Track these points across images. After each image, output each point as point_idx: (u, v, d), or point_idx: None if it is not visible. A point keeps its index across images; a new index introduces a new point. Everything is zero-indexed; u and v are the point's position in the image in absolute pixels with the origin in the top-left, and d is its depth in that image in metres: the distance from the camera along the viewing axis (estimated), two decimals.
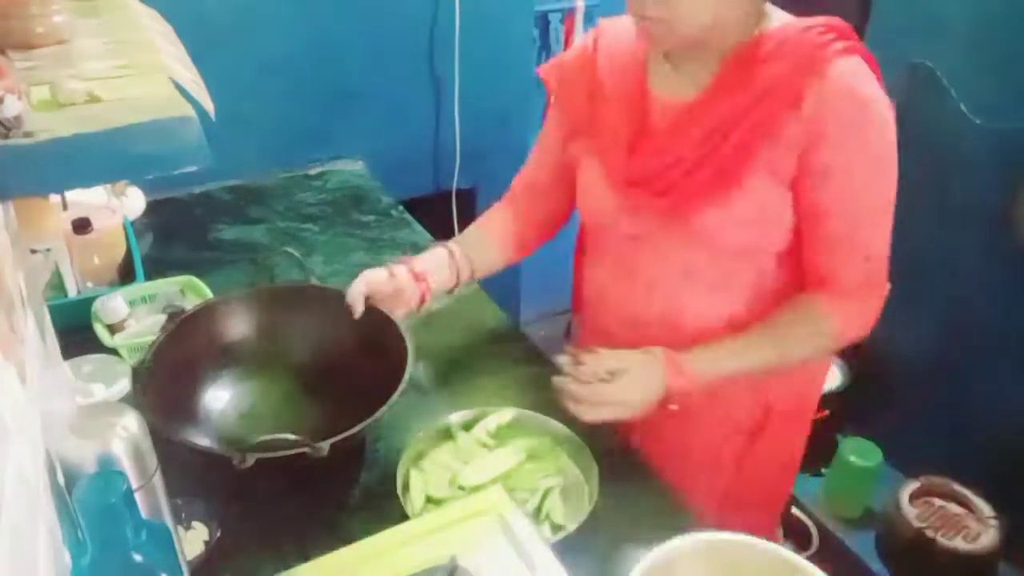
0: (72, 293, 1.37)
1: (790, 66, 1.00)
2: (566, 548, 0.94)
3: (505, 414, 1.13)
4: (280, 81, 1.89)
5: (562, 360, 1.10)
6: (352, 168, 1.99)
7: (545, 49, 2.28)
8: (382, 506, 1.04)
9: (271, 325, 1.23)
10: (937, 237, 2.00)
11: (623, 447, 1.17)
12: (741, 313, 1.12)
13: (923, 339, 2.07)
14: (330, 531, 1.01)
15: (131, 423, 0.71)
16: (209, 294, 1.37)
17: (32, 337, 0.78)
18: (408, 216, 1.78)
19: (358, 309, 1.17)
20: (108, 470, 0.67)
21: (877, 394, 2.16)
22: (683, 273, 1.12)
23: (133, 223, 1.59)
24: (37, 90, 0.63)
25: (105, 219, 1.44)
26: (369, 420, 1.01)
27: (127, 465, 0.70)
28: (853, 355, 2.22)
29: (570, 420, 1.11)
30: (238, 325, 1.22)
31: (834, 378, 2.19)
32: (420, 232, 1.72)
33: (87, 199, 1.50)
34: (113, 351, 1.26)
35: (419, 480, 1.05)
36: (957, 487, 1.88)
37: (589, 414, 1.06)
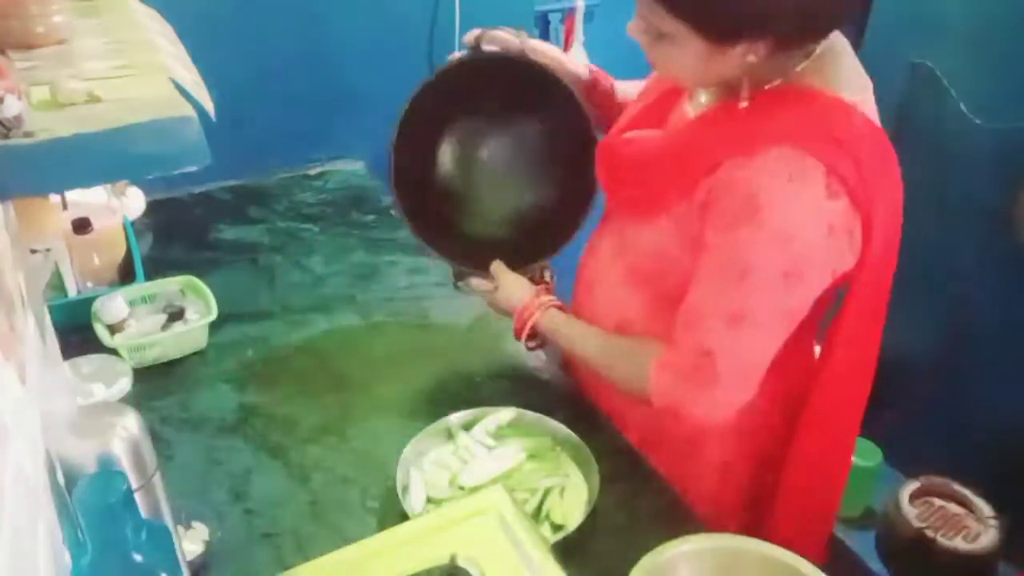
0: (72, 293, 1.37)
1: (733, 134, 0.94)
2: (566, 548, 0.94)
3: (505, 414, 1.13)
4: (280, 81, 1.88)
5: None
6: (352, 168, 1.99)
7: None
8: (382, 506, 1.04)
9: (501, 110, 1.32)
10: (937, 237, 2.00)
11: (623, 447, 1.17)
12: (631, 324, 1.11)
13: (923, 339, 2.07)
14: (330, 531, 1.01)
15: (131, 423, 0.71)
16: (209, 294, 1.37)
17: (32, 337, 0.78)
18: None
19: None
20: (108, 470, 0.67)
21: (877, 394, 2.16)
22: (611, 259, 1.14)
23: (133, 223, 1.59)
24: (37, 90, 0.63)
25: (105, 219, 1.44)
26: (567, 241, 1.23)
27: (127, 465, 0.70)
28: None
29: (570, 420, 1.11)
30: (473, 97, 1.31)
31: None
32: None
33: (87, 199, 1.50)
34: (113, 351, 1.26)
35: (419, 480, 1.05)
36: (957, 487, 1.88)
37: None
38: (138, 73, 0.68)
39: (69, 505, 0.67)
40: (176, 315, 1.34)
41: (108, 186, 1.58)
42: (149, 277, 1.42)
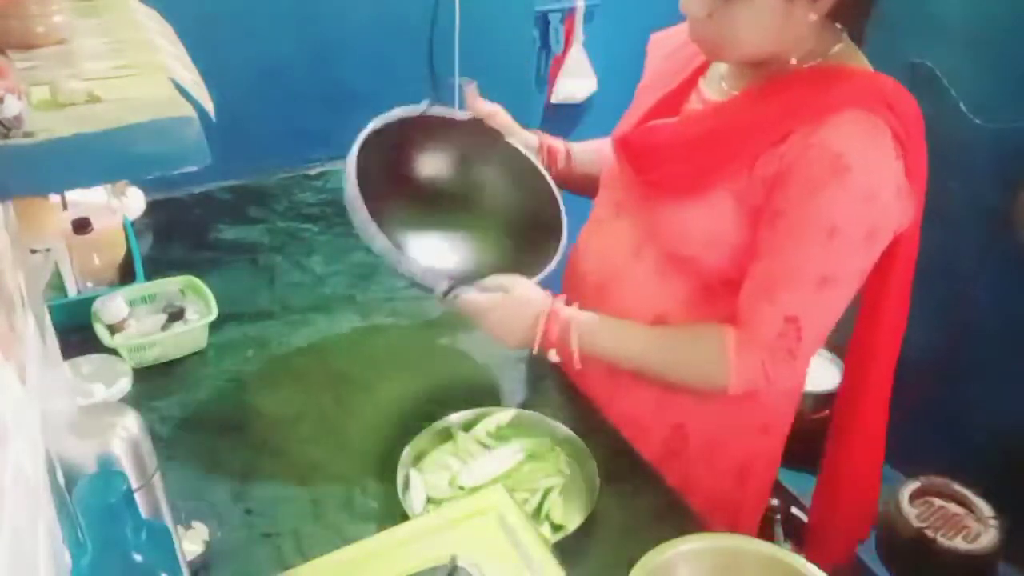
0: (72, 293, 1.37)
1: (796, 104, 0.97)
2: (566, 548, 0.94)
3: (505, 414, 1.13)
4: (280, 81, 1.89)
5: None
6: None
7: (545, 49, 2.28)
8: (382, 506, 1.04)
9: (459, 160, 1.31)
10: (937, 237, 2.00)
11: (623, 447, 1.17)
12: (670, 317, 1.11)
13: (923, 339, 2.06)
14: (330, 531, 1.01)
15: (131, 423, 0.71)
16: (209, 294, 1.37)
17: (32, 337, 0.78)
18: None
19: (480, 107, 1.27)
20: (108, 470, 0.67)
21: None
22: (633, 253, 1.13)
23: (133, 223, 1.59)
24: (37, 90, 0.63)
25: (105, 219, 1.44)
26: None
27: (127, 465, 0.70)
28: None
29: (570, 420, 1.11)
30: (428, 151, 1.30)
31: (834, 378, 2.19)
32: None
33: (87, 199, 1.50)
34: (113, 351, 1.26)
35: (419, 480, 1.05)
36: (957, 487, 1.88)
37: (475, 320, 1.11)
38: (138, 73, 0.68)
39: (69, 505, 0.67)
40: (176, 315, 1.34)
41: (108, 186, 1.58)
42: (149, 277, 1.42)
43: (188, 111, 0.61)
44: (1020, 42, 1.75)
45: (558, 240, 1.22)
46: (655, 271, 1.12)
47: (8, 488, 0.53)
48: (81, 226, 1.38)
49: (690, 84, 1.13)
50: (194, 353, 1.33)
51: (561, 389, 1.27)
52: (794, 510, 2.05)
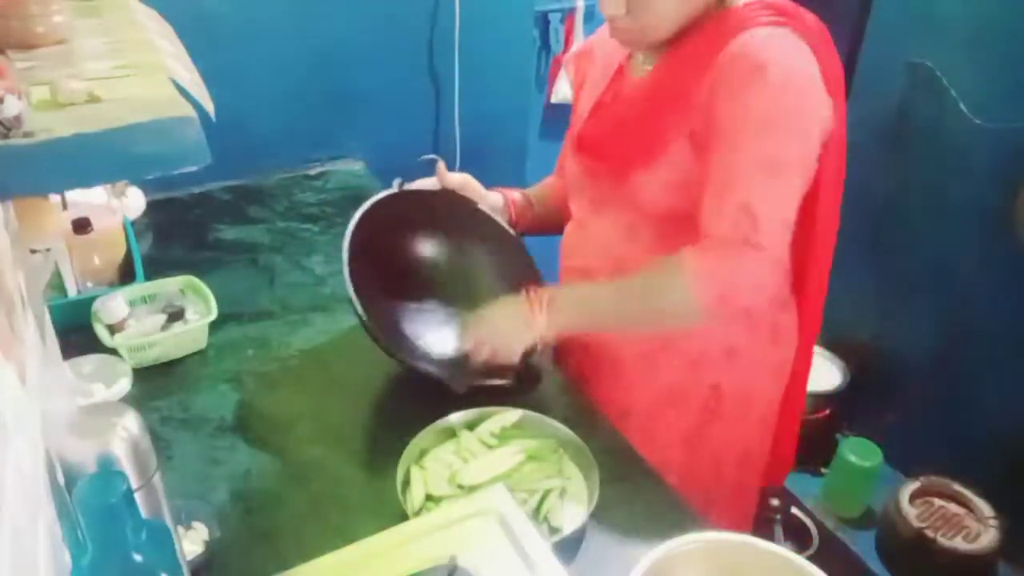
0: (72, 293, 1.37)
1: (713, 38, 1.05)
2: (566, 548, 0.94)
3: (511, 415, 1.12)
4: (280, 81, 1.89)
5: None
6: (352, 168, 1.99)
7: (545, 49, 2.28)
8: (382, 506, 1.04)
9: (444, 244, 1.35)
10: (937, 237, 2.00)
11: (623, 447, 1.17)
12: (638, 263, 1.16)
13: (923, 339, 2.07)
14: (330, 531, 1.01)
15: (131, 423, 0.71)
16: (209, 294, 1.37)
17: (32, 337, 0.78)
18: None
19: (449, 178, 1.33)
20: (108, 470, 0.67)
21: (877, 394, 2.16)
22: (626, 238, 1.18)
23: (133, 223, 1.59)
24: (37, 90, 0.63)
25: (105, 219, 1.44)
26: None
27: (127, 465, 0.70)
28: (853, 355, 2.22)
29: (570, 420, 1.11)
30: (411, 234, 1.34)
31: (834, 378, 2.19)
32: None
33: (87, 199, 1.50)
34: (113, 351, 1.26)
35: (419, 477, 1.05)
36: (957, 487, 1.88)
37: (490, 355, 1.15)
38: (138, 73, 0.68)
39: (69, 505, 0.67)
40: (176, 315, 1.34)
41: (108, 186, 1.58)
42: (149, 277, 1.42)
43: (188, 111, 0.61)
44: (1020, 42, 1.75)
45: None
46: (650, 242, 1.16)
47: (8, 488, 0.53)
48: (81, 226, 1.38)
49: (620, 76, 1.21)
50: (194, 353, 1.33)
51: (561, 389, 1.27)
52: (794, 510, 2.05)
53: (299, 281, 1.54)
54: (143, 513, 0.70)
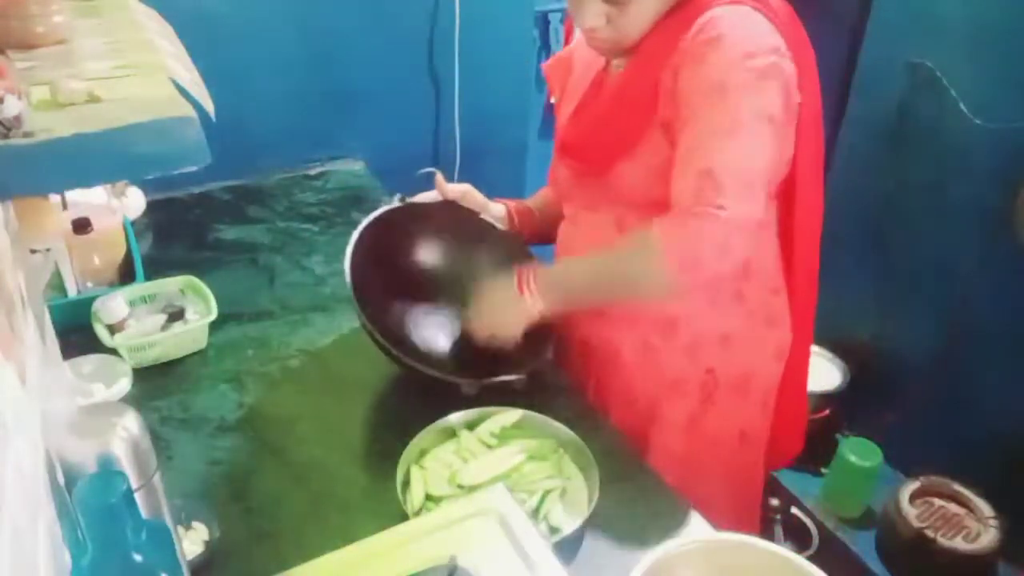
0: (72, 293, 1.37)
1: (676, 27, 1.07)
2: (566, 548, 0.94)
3: (511, 415, 1.12)
4: (280, 81, 1.89)
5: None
6: (352, 168, 1.99)
7: (545, 49, 2.28)
8: (382, 506, 1.04)
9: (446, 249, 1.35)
10: (937, 237, 2.00)
11: (623, 447, 1.17)
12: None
13: (923, 339, 2.07)
14: (330, 531, 1.01)
15: (131, 423, 0.71)
16: (209, 294, 1.37)
17: (32, 337, 0.78)
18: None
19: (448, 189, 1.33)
20: (108, 470, 0.67)
21: (877, 394, 2.16)
22: (617, 231, 1.19)
23: (133, 223, 1.59)
24: (37, 90, 0.63)
25: (105, 219, 1.44)
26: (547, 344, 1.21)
27: (127, 465, 0.70)
28: (853, 355, 2.22)
29: (571, 420, 1.11)
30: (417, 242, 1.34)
31: (834, 378, 2.19)
32: None
33: (87, 199, 1.50)
34: (113, 351, 1.26)
35: (419, 477, 1.05)
36: (957, 487, 1.88)
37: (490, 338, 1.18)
38: (138, 73, 0.68)
39: (69, 505, 0.67)
40: (176, 315, 1.34)
41: (108, 186, 1.58)
42: (149, 277, 1.42)
43: (188, 111, 0.61)
44: (1020, 42, 1.75)
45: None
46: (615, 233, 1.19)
47: (8, 488, 0.53)
48: (81, 226, 1.38)
49: (600, 80, 1.23)
50: (194, 353, 1.33)
51: (562, 389, 1.27)
52: (794, 510, 2.05)
53: (299, 281, 1.54)
54: (143, 513, 0.70)
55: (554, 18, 2.24)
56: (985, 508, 1.83)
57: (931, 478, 1.90)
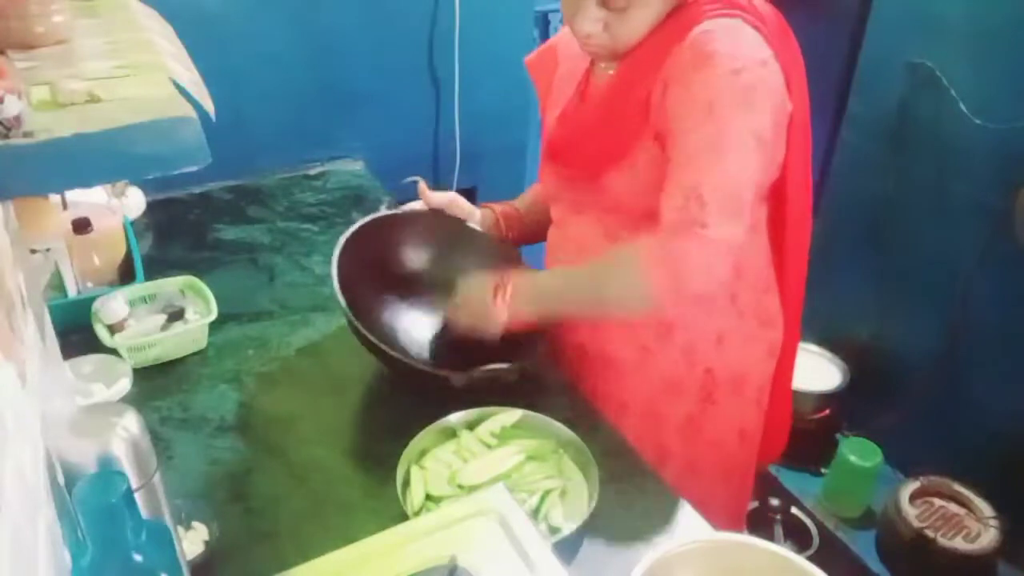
0: (72, 293, 1.37)
1: (667, 37, 1.07)
2: (566, 548, 0.94)
3: (511, 415, 1.12)
4: (280, 81, 1.89)
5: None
6: (352, 168, 1.99)
7: None
8: (382, 506, 1.04)
9: (434, 251, 1.35)
10: (937, 237, 2.00)
11: (623, 447, 1.17)
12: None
13: (923, 339, 2.07)
14: (330, 531, 1.01)
15: (131, 423, 0.71)
16: (209, 294, 1.37)
17: (32, 337, 0.78)
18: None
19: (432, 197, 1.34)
20: (108, 470, 0.67)
21: (877, 394, 2.16)
22: (605, 237, 1.19)
23: (133, 223, 1.59)
24: (37, 90, 0.63)
25: (105, 219, 1.44)
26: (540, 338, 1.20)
27: (127, 465, 0.70)
28: (853, 355, 2.22)
29: (571, 420, 1.11)
30: (405, 246, 1.34)
31: (834, 378, 2.19)
32: None
33: (87, 199, 1.50)
34: (113, 351, 1.26)
35: (419, 477, 1.05)
36: (957, 487, 1.88)
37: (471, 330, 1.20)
38: (138, 73, 0.68)
39: (69, 505, 0.67)
40: (176, 315, 1.34)
41: (108, 186, 1.58)
42: (149, 277, 1.42)
43: (188, 111, 0.61)
44: (1020, 42, 1.75)
45: None
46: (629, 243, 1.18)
47: (8, 488, 0.53)
48: (81, 226, 1.38)
49: (586, 81, 1.22)
50: (194, 353, 1.33)
51: (561, 389, 1.27)
52: (794, 510, 2.05)
53: (299, 281, 1.54)
54: (143, 513, 0.70)
55: (554, 18, 2.24)
56: (985, 508, 1.84)
57: (931, 478, 1.90)
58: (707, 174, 1.02)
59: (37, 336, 0.82)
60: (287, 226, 1.73)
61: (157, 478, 0.75)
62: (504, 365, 1.16)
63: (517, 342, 1.19)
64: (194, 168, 0.61)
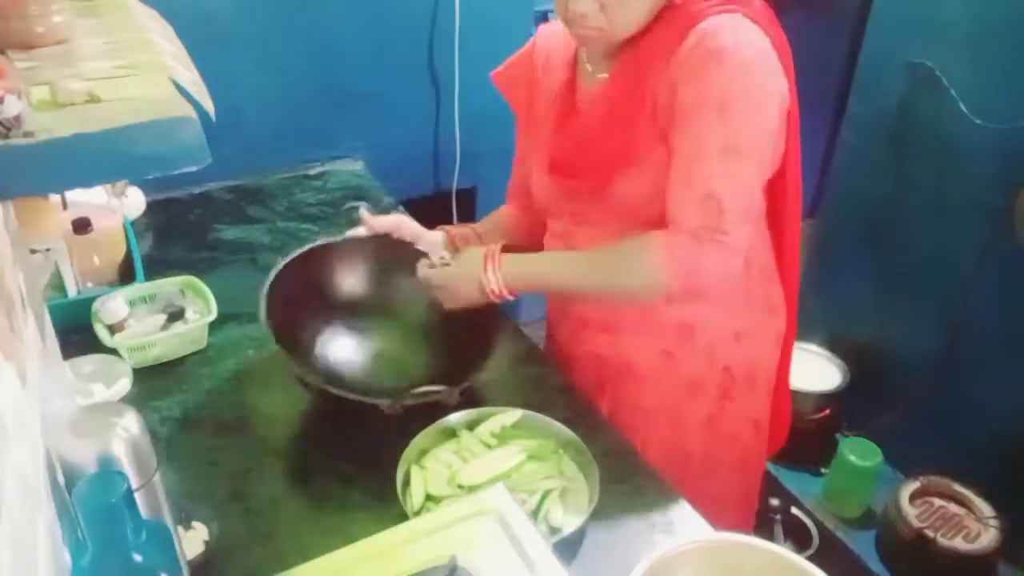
0: (72, 293, 1.37)
1: (667, 37, 1.06)
2: (566, 548, 0.94)
3: (511, 415, 1.12)
4: (280, 81, 1.89)
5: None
6: (352, 168, 1.99)
7: None
8: (382, 506, 1.04)
9: (373, 275, 1.32)
10: (937, 237, 2.00)
11: (623, 448, 1.17)
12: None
13: (923, 339, 2.07)
14: (330, 531, 1.01)
15: (131, 423, 0.71)
16: (209, 294, 1.37)
17: (32, 337, 0.78)
18: (408, 216, 1.78)
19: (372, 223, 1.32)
20: (108, 470, 0.67)
21: (877, 394, 2.16)
22: (616, 241, 1.17)
23: (133, 223, 1.59)
24: (37, 90, 0.63)
25: (105, 219, 1.44)
26: (484, 364, 1.15)
27: (127, 465, 0.70)
28: (853, 355, 2.22)
29: (571, 420, 1.11)
30: (342, 272, 1.31)
31: (834, 378, 2.19)
32: None
33: (87, 199, 1.50)
34: (113, 351, 1.26)
35: (419, 477, 1.05)
36: (957, 487, 1.88)
37: (438, 295, 1.22)
38: (138, 73, 0.68)
39: (69, 505, 0.67)
40: (176, 315, 1.34)
41: (108, 186, 1.58)
42: (149, 277, 1.42)
43: (188, 111, 0.61)
44: (1020, 42, 1.75)
45: (494, 332, 1.22)
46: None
47: (8, 488, 0.53)
48: (81, 226, 1.38)
49: (571, 90, 1.21)
50: (194, 353, 1.33)
51: (562, 389, 1.27)
52: (794, 510, 2.05)
53: None
54: (143, 513, 0.70)
55: (554, 18, 2.24)
56: (985, 508, 1.84)
57: (931, 478, 1.90)
58: (723, 181, 1.04)
59: (37, 336, 0.82)
60: (287, 226, 1.73)
61: (157, 478, 0.75)
62: (438, 388, 1.13)
63: (462, 363, 1.17)
64: (194, 168, 0.61)
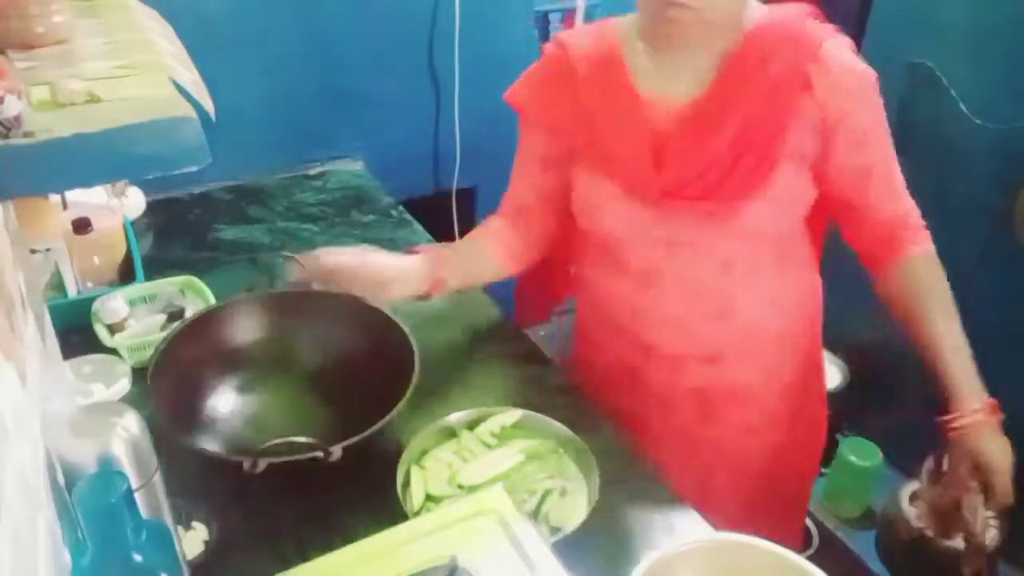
0: (72, 293, 1.37)
1: (790, 54, 1.07)
2: (566, 548, 0.94)
3: (511, 415, 1.12)
4: (280, 81, 1.88)
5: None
6: (352, 168, 1.99)
7: None
8: (382, 506, 1.04)
9: (276, 329, 1.23)
10: (937, 237, 2.00)
11: (623, 447, 1.17)
12: (780, 298, 1.21)
13: None
14: (330, 531, 1.01)
15: (131, 423, 0.71)
16: (209, 294, 1.37)
17: (32, 337, 0.78)
18: (408, 216, 1.78)
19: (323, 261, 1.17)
20: (108, 470, 0.67)
21: (877, 394, 2.16)
22: (722, 268, 1.15)
23: (133, 223, 1.59)
24: (37, 90, 0.63)
25: (105, 219, 1.44)
26: (380, 423, 1.03)
27: (127, 465, 0.70)
28: (853, 355, 2.22)
29: (571, 420, 1.11)
30: (243, 330, 1.22)
31: (834, 378, 2.19)
32: (420, 232, 1.72)
33: (87, 199, 1.50)
34: (113, 351, 1.26)
35: (419, 477, 1.05)
36: None
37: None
38: (138, 73, 0.68)
39: (69, 505, 0.67)
40: (176, 315, 1.34)
41: (108, 186, 1.58)
42: (149, 277, 1.42)
43: (188, 111, 0.61)
44: (1020, 42, 1.75)
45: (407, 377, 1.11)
46: (747, 269, 1.16)
47: (8, 488, 0.53)
48: (81, 226, 1.38)
49: (635, 108, 1.12)
50: None
51: (562, 388, 1.27)
52: None
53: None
54: (143, 513, 0.70)
55: (554, 18, 2.23)
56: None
57: None
58: (903, 195, 1.22)
59: (37, 336, 0.82)
60: (287, 226, 1.73)
61: (157, 478, 0.75)
62: (308, 457, 1.01)
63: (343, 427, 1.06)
64: (194, 168, 0.61)
